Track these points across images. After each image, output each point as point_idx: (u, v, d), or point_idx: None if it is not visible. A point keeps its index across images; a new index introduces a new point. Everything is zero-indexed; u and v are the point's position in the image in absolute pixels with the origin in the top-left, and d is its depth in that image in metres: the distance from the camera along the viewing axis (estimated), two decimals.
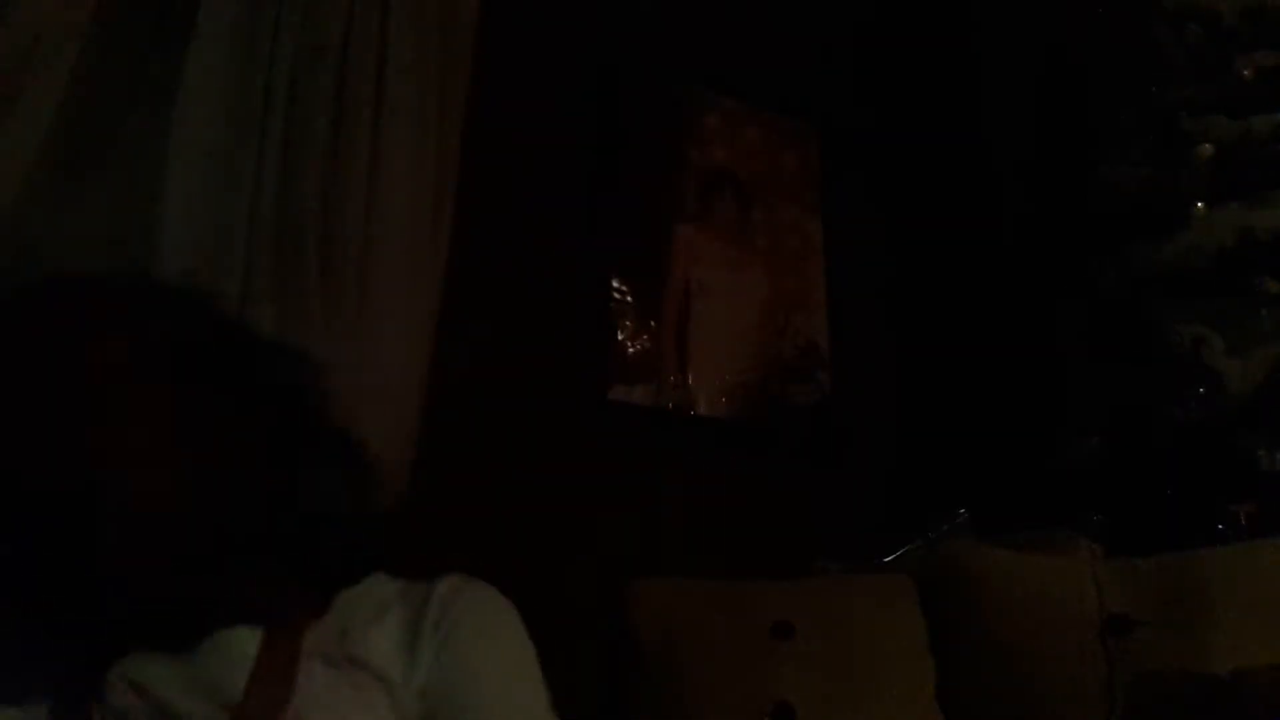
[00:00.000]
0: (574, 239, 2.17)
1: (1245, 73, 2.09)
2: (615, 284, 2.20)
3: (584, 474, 2.02)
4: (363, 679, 0.82)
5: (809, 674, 1.67)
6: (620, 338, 2.18)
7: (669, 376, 2.22)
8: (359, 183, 1.68)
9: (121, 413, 0.80)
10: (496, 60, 2.00)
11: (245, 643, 0.82)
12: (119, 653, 0.80)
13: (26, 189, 1.40)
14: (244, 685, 0.79)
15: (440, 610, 0.85)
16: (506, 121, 2.05)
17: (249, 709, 0.78)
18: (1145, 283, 2.08)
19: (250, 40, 1.63)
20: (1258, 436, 1.91)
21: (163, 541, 0.79)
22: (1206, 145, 2.07)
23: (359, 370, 1.63)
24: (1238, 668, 1.51)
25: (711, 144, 2.41)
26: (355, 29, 1.71)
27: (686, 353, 2.25)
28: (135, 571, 0.78)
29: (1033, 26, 2.50)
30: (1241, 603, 1.61)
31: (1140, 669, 1.60)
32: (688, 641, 1.73)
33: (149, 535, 0.78)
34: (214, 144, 1.59)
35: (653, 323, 2.23)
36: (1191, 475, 1.93)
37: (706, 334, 2.28)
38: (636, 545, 1.99)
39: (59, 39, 1.44)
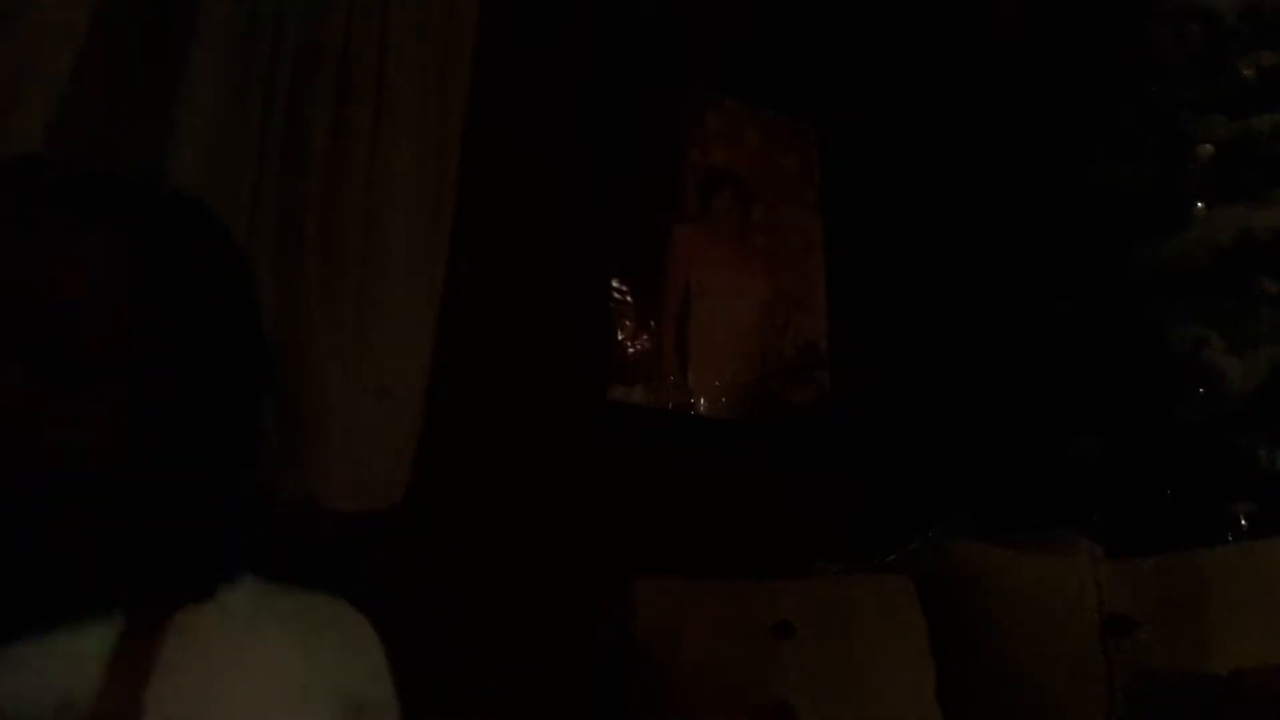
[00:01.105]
0: (574, 239, 2.17)
1: (1245, 73, 2.09)
2: (615, 284, 2.20)
3: (584, 474, 2.02)
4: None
5: (809, 674, 1.67)
6: (620, 338, 2.18)
7: (669, 376, 2.22)
8: (359, 182, 1.68)
9: (77, 332, 0.65)
10: (496, 60, 2.00)
11: (98, 640, 0.67)
12: None
13: None
14: (94, 692, 0.65)
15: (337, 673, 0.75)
16: (506, 121, 2.05)
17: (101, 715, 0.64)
18: (1145, 283, 2.08)
19: (250, 40, 1.64)
20: (1258, 436, 1.91)
21: (57, 499, 0.65)
22: (1206, 145, 2.07)
23: (359, 370, 1.64)
24: (1238, 668, 1.51)
25: (711, 144, 2.41)
26: (355, 29, 1.71)
27: (686, 353, 2.25)
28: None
29: (1033, 26, 2.49)
30: (1241, 603, 1.61)
31: (1140, 669, 1.60)
32: (688, 641, 1.72)
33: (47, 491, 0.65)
34: (214, 144, 1.59)
35: (653, 323, 2.22)
36: (1191, 475, 1.93)
37: (706, 334, 2.28)
38: (636, 545, 1.99)
39: (59, 40, 1.44)
